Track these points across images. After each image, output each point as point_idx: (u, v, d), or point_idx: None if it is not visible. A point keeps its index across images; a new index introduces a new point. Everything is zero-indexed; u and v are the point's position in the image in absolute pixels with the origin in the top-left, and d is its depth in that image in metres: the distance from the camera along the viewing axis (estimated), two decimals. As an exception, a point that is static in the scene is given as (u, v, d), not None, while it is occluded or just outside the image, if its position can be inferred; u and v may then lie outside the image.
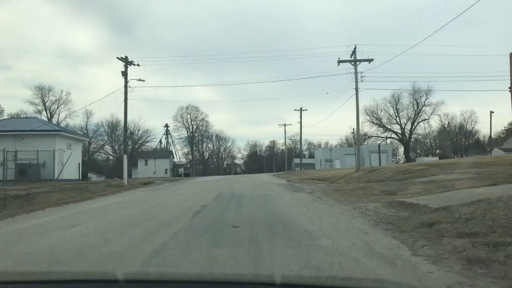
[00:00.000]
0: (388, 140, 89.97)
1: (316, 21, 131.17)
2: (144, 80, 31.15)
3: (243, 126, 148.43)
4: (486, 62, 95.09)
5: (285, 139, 73.26)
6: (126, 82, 31.04)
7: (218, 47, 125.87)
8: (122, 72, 31.01)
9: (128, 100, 30.38)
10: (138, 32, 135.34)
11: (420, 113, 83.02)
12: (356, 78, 31.89)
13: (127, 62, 31.13)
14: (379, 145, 74.30)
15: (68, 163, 35.07)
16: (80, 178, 38.21)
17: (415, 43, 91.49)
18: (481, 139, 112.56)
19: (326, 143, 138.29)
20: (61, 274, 2.96)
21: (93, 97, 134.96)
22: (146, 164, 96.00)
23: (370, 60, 31.56)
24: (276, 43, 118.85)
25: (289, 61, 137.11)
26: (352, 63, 32.10)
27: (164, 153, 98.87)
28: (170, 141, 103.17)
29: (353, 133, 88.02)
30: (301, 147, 54.45)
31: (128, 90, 30.97)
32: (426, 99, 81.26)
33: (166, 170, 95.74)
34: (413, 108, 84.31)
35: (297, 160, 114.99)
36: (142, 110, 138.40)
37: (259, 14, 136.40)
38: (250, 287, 1.98)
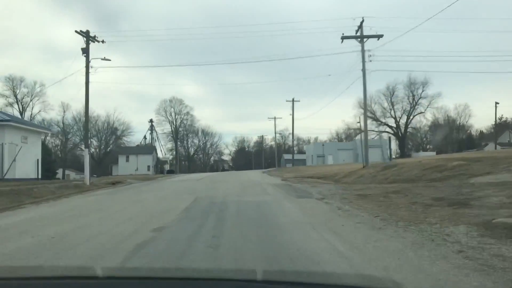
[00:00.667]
0: (383, 135, 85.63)
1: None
2: (109, 60, 25.81)
3: (230, 122, 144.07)
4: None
5: (275, 133, 68.18)
6: (87, 61, 25.68)
7: (205, 40, 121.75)
8: (82, 49, 25.60)
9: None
10: (122, 27, 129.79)
11: (416, 106, 78.80)
12: (363, 57, 26.92)
13: (88, 37, 25.71)
14: (390, 140, 69.80)
15: (23, 159, 29.58)
16: (40, 176, 32.70)
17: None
18: (474, 133, 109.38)
19: (316, 139, 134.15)
20: (39, 270, 2.73)
21: (80, 93, 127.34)
22: (127, 160, 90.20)
23: (379, 36, 26.59)
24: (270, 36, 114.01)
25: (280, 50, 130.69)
26: (359, 40, 27.08)
27: (147, 148, 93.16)
28: (155, 136, 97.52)
29: (356, 129, 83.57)
30: (293, 141, 49.50)
31: (90, 71, 25.58)
32: (422, 91, 77.05)
33: (149, 167, 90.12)
34: (409, 101, 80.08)
35: (287, 156, 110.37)
36: (128, 106, 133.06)
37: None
38: (231, 284, 1.86)
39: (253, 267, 4.73)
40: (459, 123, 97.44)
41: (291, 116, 54.87)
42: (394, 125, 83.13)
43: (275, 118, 66.04)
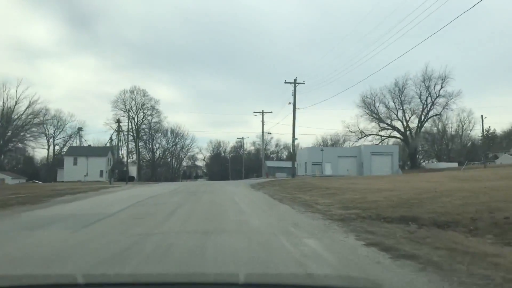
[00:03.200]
0: (391, 140, 71.49)
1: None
2: None
3: (205, 127, 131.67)
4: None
5: (263, 132, 52.65)
6: None
7: (181, 47, 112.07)
8: None
9: None
10: (98, 29, 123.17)
11: (432, 106, 64.76)
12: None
13: None
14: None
15: None
16: None
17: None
18: (477, 143, 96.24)
19: (297, 145, 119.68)
20: (18, 279, 2.45)
21: (50, 93, 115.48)
22: (75, 163, 73.21)
23: None
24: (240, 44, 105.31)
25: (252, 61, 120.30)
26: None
27: (100, 150, 76.25)
28: (122, 138, 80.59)
29: (357, 132, 68.87)
30: (293, 142, 33.87)
31: None
32: (441, 88, 63.09)
33: (101, 172, 73.39)
34: (421, 100, 65.95)
35: (271, 163, 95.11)
36: (101, 109, 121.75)
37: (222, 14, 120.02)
38: (213, 287, 1.92)
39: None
40: (462, 131, 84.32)
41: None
42: (402, 128, 69.07)
43: (262, 112, 50.84)
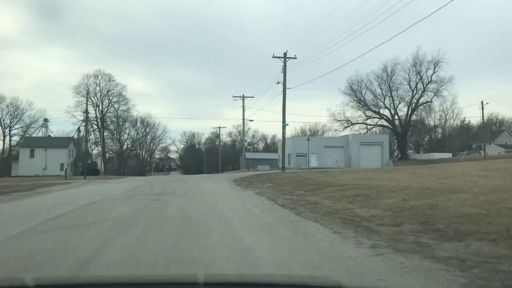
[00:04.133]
0: (378, 130, 66.75)
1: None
2: None
3: (179, 120, 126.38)
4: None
5: (243, 118, 46.54)
6: None
7: (155, 39, 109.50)
8: None
9: None
10: (67, 19, 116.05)
11: (424, 93, 60.19)
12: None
13: None
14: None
15: None
16: None
17: None
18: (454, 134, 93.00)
19: (273, 137, 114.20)
20: None
21: (19, 84, 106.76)
22: (32, 155, 65.54)
23: None
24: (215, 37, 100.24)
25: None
26: None
27: (61, 140, 68.69)
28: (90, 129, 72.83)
29: (343, 121, 63.70)
30: (284, 128, 27.96)
31: None
32: (433, 73, 58.55)
33: (62, 165, 66.04)
34: (410, 87, 61.30)
35: (250, 155, 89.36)
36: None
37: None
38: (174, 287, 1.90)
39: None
40: (445, 121, 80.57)
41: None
42: (390, 116, 64.43)
43: (243, 97, 44.88)
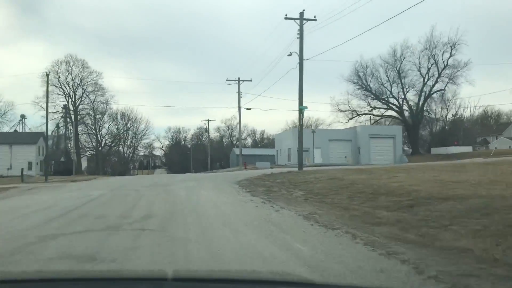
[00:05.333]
0: (386, 122, 60.23)
1: None
2: None
3: (164, 116, 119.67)
4: None
5: (239, 106, 39.09)
6: None
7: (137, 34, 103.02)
8: None
9: None
10: (47, 14, 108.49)
11: (439, 79, 53.67)
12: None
13: None
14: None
15: None
16: None
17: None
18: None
19: (262, 132, 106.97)
20: None
21: None
22: (-6, 153, 57.43)
23: None
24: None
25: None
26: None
27: (28, 136, 60.56)
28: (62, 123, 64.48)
29: (348, 111, 56.71)
30: (301, 112, 20.72)
31: None
32: (450, 56, 52.01)
33: (30, 164, 57.99)
34: (420, 73, 54.67)
35: (238, 151, 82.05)
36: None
37: None
38: (141, 283, 1.83)
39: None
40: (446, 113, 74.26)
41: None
42: (397, 108, 57.92)
43: (239, 80, 37.64)
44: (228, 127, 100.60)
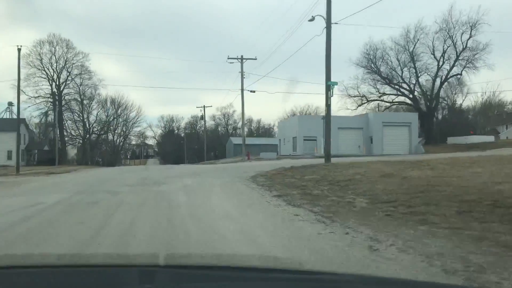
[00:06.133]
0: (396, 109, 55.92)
1: None
2: None
3: (157, 106, 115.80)
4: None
5: (242, 88, 34.15)
6: None
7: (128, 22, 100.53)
8: None
9: None
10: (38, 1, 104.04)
11: (457, 62, 49.28)
12: None
13: None
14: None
15: None
16: None
17: None
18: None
19: (258, 121, 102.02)
20: None
21: None
22: (-32, 142, 52.42)
23: None
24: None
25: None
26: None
27: (6, 123, 55.52)
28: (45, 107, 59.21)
29: (357, 97, 52.17)
30: (329, 90, 16.18)
31: None
32: (470, 38, 47.55)
33: (10, 153, 53.12)
34: (434, 56, 50.27)
35: (237, 140, 77.41)
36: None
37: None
38: (132, 270, 1.63)
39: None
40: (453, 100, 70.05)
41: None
42: (409, 93, 53.63)
43: (241, 58, 32.88)
44: (224, 115, 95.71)
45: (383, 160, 16.74)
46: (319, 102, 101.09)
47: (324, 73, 17.09)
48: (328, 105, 16.72)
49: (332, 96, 16.59)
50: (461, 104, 59.15)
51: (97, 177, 18.61)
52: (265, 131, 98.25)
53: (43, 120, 61.87)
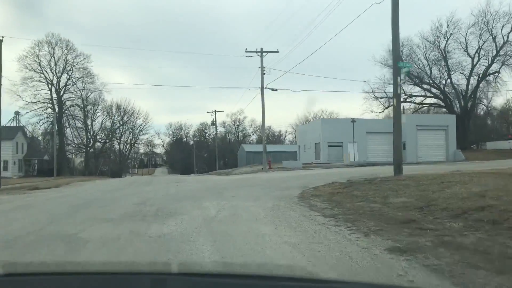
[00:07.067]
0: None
1: None
2: None
3: (164, 114, 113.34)
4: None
5: (262, 83, 29.25)
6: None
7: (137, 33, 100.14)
8: None
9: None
10: (46, 12, 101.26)
11: (496, 57, 44.38)
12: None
13: None
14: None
15: None
16: None
17: None
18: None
19: (269, 128, 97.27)
20: None
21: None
22: (-38, 151, 48.54)
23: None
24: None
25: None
26: None
27: (3, 130, 51.20)
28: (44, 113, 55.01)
29: (389, 98, 47.59)
30: (398, 71, 11.79)
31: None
32: (511, 31, 42.69)
33: (6, 163, 49.03)
34: (467, 52, 45.44)
35: (249, 148, 72.75)
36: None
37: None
38: (144, 278, 1.62)
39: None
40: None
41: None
42: (440, 93, 48.77)
43: (261, 51, 28.25)
44: (234, 122, 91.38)
45: (482, 171, 11.99)
46: (332, 107, 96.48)
47: (392, 50, 12.54)
48: (397, 95, 12.09)
49: (403, 82, 12.01)
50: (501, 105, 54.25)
51: (87, 195, 14.07)
52: (276, 139, 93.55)
53: (48, 128, 57.92)
